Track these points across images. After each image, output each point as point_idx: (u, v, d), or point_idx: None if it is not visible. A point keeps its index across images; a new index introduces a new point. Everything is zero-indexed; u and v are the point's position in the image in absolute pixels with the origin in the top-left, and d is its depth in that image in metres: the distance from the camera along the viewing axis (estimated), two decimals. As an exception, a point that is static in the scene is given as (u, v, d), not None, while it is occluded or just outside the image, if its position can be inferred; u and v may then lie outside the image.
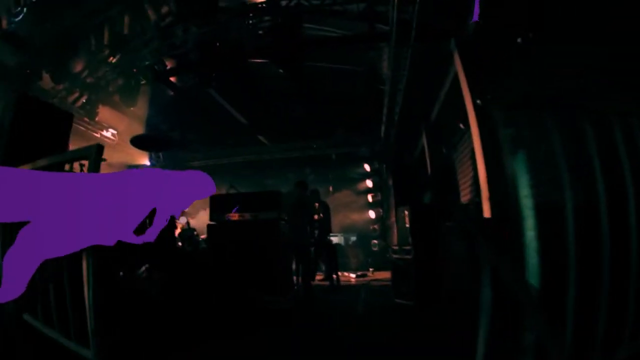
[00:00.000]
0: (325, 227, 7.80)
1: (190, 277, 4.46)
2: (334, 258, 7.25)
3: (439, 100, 7.66)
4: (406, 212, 5.38)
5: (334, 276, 7.07)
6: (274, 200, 5.56)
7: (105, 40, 6.72)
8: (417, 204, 7.37)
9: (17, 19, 5.95)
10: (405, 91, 7.52)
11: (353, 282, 9.15)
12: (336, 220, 13.70)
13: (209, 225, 5.76)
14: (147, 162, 13.46)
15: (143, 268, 4.26)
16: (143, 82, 8.27)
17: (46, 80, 7.96)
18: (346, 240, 13.73)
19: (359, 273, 10.27)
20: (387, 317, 4.80)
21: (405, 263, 5.26)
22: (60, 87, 8.82)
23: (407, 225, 5.30)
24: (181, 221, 8.29)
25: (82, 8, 6.56)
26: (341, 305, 5.66)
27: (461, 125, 6.44)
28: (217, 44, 6.55)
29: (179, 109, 11.55)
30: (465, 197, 7.37)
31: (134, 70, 7.83)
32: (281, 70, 6.48)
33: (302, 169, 14.41)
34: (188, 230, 8.95)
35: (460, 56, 5.31)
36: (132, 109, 10.17)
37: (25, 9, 5.86)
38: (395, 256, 5.49)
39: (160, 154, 13.70)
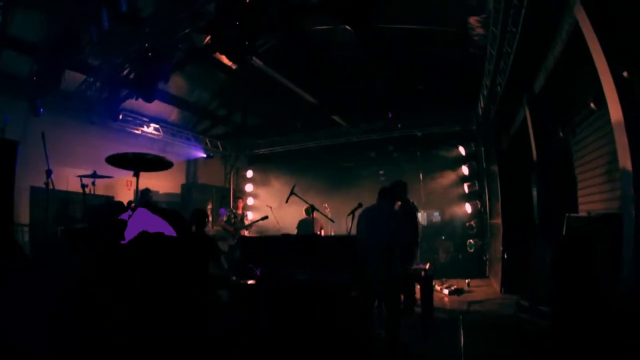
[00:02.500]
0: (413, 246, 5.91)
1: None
2: (430, 294, 5.18)
3: (545, 66, 6.23)
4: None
5: (429, 320, 5.04)
6: (346, 253, 3.50)
7: (107, 25, 5.28)
8: (571, 235, 4.93)
9: None
10: (515, 55, 5.79)
11: (447, 303, 7.28)
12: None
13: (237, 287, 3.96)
14: (202, 154, 12.23)
15: None
16: None
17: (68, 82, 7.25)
18: (429, 219, 12.13)
19: (453, 287, 8.19)
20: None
21: (538, 329, 3.22)
22: (83, 87, 8.10)
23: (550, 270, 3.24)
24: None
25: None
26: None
27: (592, 105, 4.88)
28: (246, 1, 4.72)
29: (238, 91, 10.31)
30: (587, 201, 5.50)
31: (149, 54, 6.39)
32: (348, 27, 4.55)
33: (385, 146, 12.85)
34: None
35: (585, 5, 3.94)
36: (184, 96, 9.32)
37: None
38: (523, 315, 3.45)
39: (218, 143, 12.47)
